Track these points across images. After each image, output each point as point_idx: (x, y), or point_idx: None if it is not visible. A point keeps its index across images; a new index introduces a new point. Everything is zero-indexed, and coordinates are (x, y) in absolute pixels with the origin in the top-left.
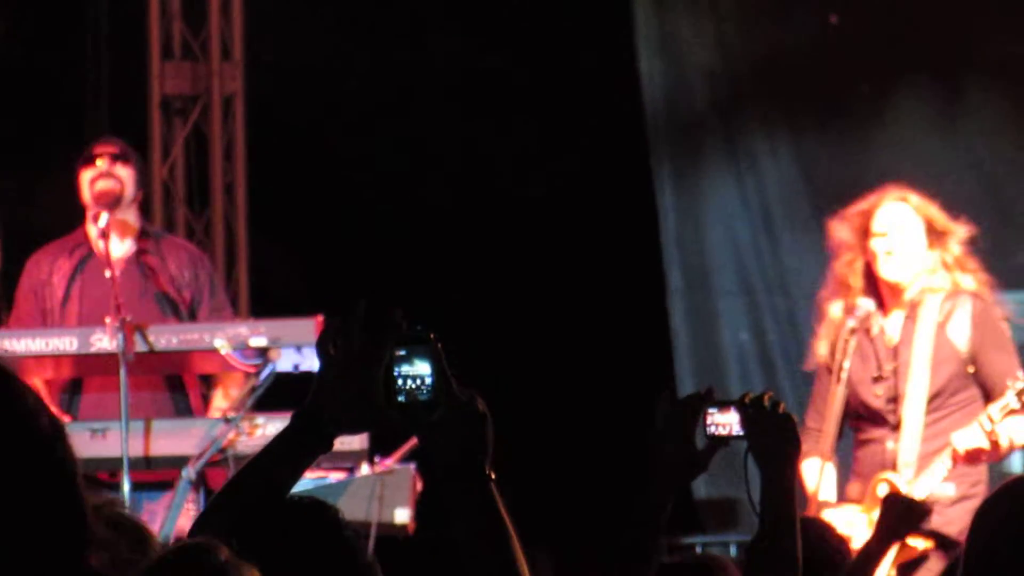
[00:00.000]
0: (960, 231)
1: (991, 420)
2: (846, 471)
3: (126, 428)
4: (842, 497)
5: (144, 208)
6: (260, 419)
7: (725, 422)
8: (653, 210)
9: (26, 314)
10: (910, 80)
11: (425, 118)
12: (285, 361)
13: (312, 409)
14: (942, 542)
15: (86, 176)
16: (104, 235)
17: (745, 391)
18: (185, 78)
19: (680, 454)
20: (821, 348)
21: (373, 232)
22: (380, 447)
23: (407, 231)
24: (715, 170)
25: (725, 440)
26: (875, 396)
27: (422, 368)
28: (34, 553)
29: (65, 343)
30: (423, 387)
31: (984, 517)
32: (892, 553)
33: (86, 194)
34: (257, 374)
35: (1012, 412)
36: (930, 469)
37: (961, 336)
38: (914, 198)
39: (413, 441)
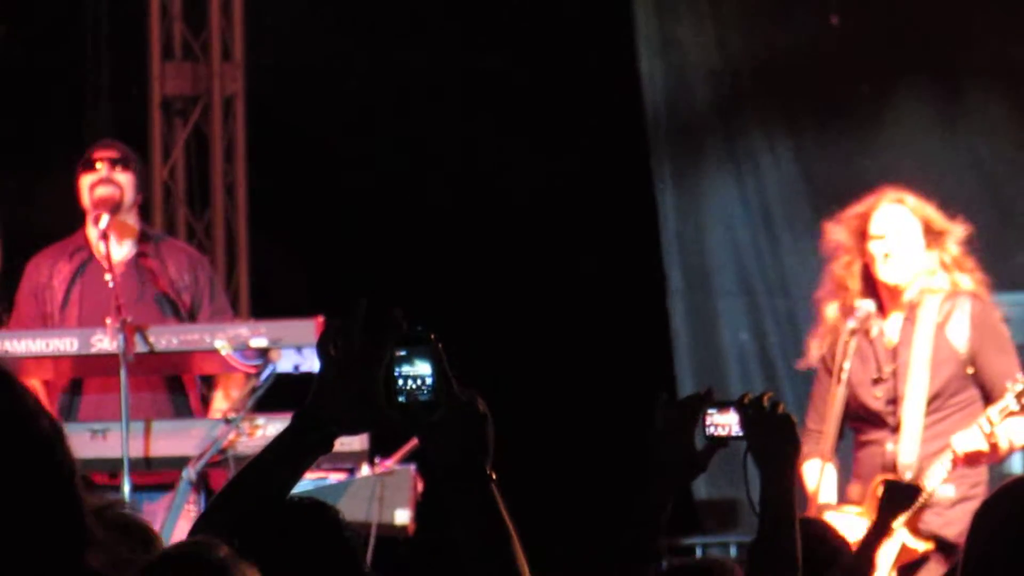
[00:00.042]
0: (957, 231)
1: (990, 423)
2: (847, 472)
3: (126, 429)
4: (842, 498)
5: (145, 209)
6: (260, 420)
7: (724, 423)
8: (653, 210)
9: (26, 317)
10: (910, 80)
11: (425, 118)
12: (285, 362)
13: (312, 410)
14: (942, 545)
15: (86, 181)
16: (104, 236)
17: (745, 391)
18: (186, 79)
19: (679, 454)
20: (815, 348)
21: (373, 232)
22: (380, 448)
23: (407, 231)
24: (715, 170)
25: (724, 441)
26: (875, 398)
27: (422, 368)
28: (33, 553)
29: (65, 344)
30: (423, 387)
31: (984, 518)
32: (891, 554)
33: (86, 199)
34: (257, 375)
35: (1012, 414)
36: (930, 471)
37: (960, 337)
38: (911, 199)
39: (413, 442)
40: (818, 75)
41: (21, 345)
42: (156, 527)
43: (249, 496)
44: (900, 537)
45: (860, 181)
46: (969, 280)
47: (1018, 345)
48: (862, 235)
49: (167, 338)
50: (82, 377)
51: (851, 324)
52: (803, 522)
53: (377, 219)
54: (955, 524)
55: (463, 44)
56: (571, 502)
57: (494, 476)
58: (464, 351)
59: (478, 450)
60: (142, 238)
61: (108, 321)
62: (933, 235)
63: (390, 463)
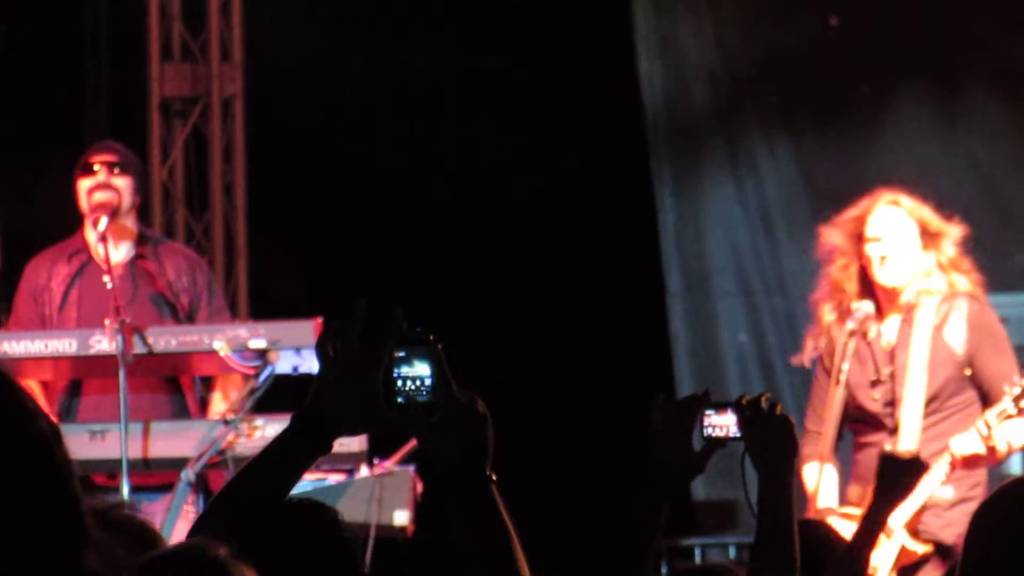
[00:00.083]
0: (954, 232)
1: (988, 426)
2: (847, 474)
3: (125, 430)
4: (843, 500)
5: (143, 210)
6: (259, 421)
7: (722, 424)
8: (653, 212)
9: (25, 318)
10: (910, 81)
11: (425, 118)
12: (284, 363)
13: (311, 411)
14: (941, 549)
15: (83, 185)
16: (103, 239)
17: (744, 392)
18: (184, 80)
19: (677, 455)
20: (811, 347)
21: (373, 232)
22: (379, 449)
23: (406, 232)
24: (715, 172)
25: (722, 442)
26: (872, 400)
27: (422, 369)
28: (32, 553)
29: (64, 345)
30: (423, 388)
31: (983, 519)
32: (891, 556)
33: (84, 204)
34: (256, 376)
35: (1009, 417)
36: (929, 473)
37: (957, 339)
38: (906, 201)
39: (412, 443)
40: (818, 76)
41: (20, 346)
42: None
43: (248, 497)
44: (899, 539)
45: (860, 182)
46: (966, 281)
47: (1017, 346)
48: (858, 238)
49: (166, 339)
50: (81, 378)
51: (850, 325)
52: (807, 524)
53: (376, 219)
54: (954, 525)
55: (463, 44)
56: (570, 502)
57: (494, 477)
58: (463, 352)
59: (478, 451)
60: (140, 240)
61: (107, 322)
62: (929, 236)
63: (389, 464)
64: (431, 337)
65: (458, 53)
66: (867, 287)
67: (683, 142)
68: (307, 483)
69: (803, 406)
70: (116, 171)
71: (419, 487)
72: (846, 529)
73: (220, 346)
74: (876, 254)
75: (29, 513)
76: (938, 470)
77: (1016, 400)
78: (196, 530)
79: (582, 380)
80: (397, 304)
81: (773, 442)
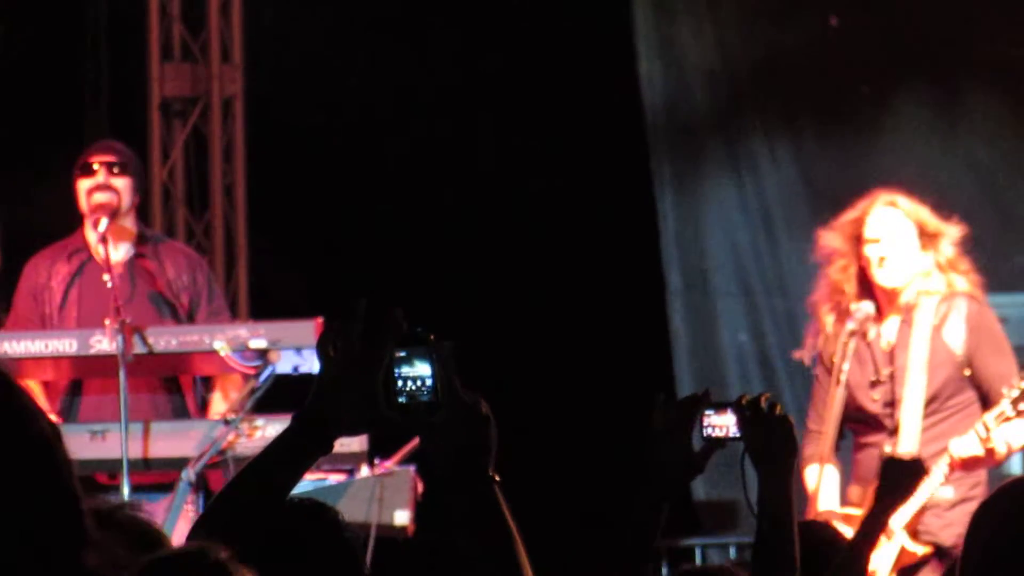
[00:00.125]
0: (952, 232)
1: (986, 428)
2: (849, 475)
3: (125, 430)
4: (844, 501)
5: (144, 210)
6: (260, 421)
7: (722, 424)
8: (653, 212)
9: (24, 317)
10: (910, 82)
11: (425, 118)
12: (285, 363)
13: (312, 411)
14: (941, 551)
15: (83, 185)
16: (103, 240)
17: (744, 392)
18: (185, 80)
19: (677, 455)
20: (811, 344)
21: (373, 233)
22: (380, 449)
23: (407, 232)
24: (715, 172)
25: (721, 442)
26: (872, 401)
27: (422, 369)
28: (31, 554)
29: (65, 345)
30: (423, 388)
31: (983, 518)
32: (890, 557)
33: (83, 204)
34: (257, 376)
35: (1007, 419)
36: (929, 475)
37: (956, 339)
38: (904, 202)
39: (413, 443)
40: (818, 76)
41: (20, 346)
42: None
43: (249, 497)
44: (899, 540)
45: (860, 182)
46: (965, 281)
47: (1017, 346)
48: (857, 239)
49: (166, 339)
50: (81, 378)
51: (850, 325)
52: (813, 525)
53: (376, 220)
54: (955, 525)
55: (463, 44)
56: (570, 502)
57: (497, 478)
58: (463, 352)
59: (481, 452)
60: (140, 240)
61: (107, 322)
62: (928, 237)
63: (389, 464)
64: (431, 337)
65: (458, 53)
66: (866, 288)
67: (683, 142)
68: (307, 483)
69: (803, 406)
70: (115, 171)
71: (420, 487)
72: (846, 530)
73: (220, 346)
74: (875, 255)
75: (29, 513)
76: (937, 472)
77: (1014, 403)
78: (196, 530)
79: (582, 379)
80: (397, 304)
81: (773, 442)
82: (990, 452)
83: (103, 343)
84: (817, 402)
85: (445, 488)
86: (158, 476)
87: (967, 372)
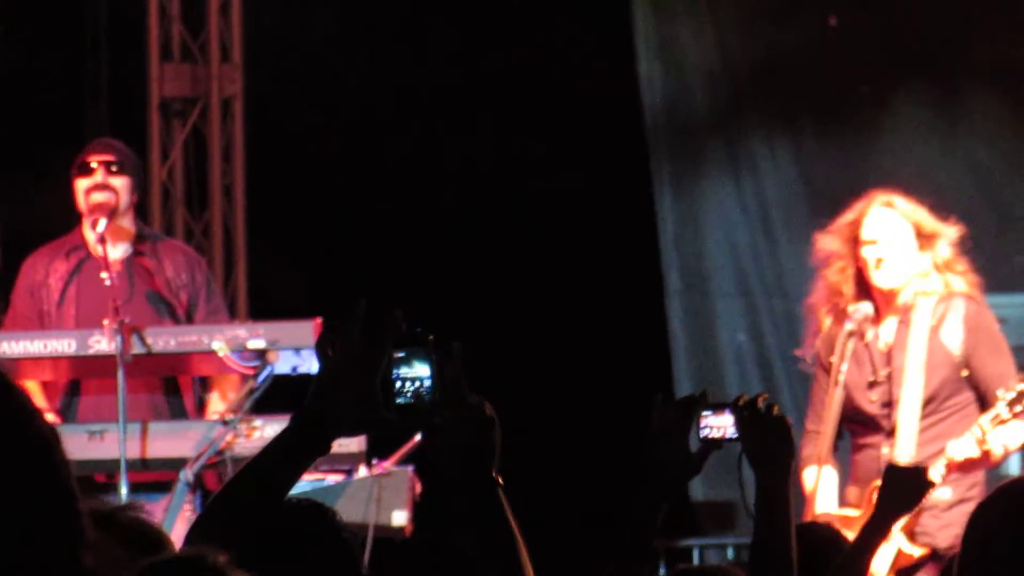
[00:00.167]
0: (949, 232)
1: (983, 431)
2: (847, 476)
3: (124, 430)
4: (842, 502)
5: (143, 210)
6: (258, 421)
7: (719, 424)
8: (652, 212)
9: (23, 315)
10: (909, 82)
11: (425, 119)
12: (283, 363)
13: (310, 411)
14: (936, 553)
15: (81, 185)
16: (102, 240)
17: (742, 392)
18: (184, 80)
19: (674, 456)
20: (810, 344)
21: (372, 233)
22: (378, 449)
23: (406, 232)
24: (714, 172)
25: (719, 442)
26: (870, 401)
27: (421, 370)
28: (29, 554)
29: (63, 345)
30: (422, 389)
31: (980, 519)
32: (888, 559)
33: (81, 203)
34: (255, 376)
35: (1003, 422)
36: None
37: (954, 340)
38: (901, 202)
39: (411, 443)
40: (817, 76)
41: (19, 346)
42: None
43: (247, 497)
44: (896, 542)
45: (859, 183)
46: (962, 282)
47: (1016, 347)
48: (854, 241)
49: (165, 339)
50: (80, 378)
51: (849, 326)
52: (814, 526)
53: (376, 220)
54: (953, 526)
55: (463, 44)
56: (569, 502)
57: (500, 480)
58: (462, 352)
59: (484, 455)
60: (138, 238)
61: (105, 322)
62: (925, 238)
63: (387, 465)
64: (430, 338)
65: (458, 53)
66: (864, 290)
67: (683, 142)
68: (306, 483)
69: (802, 406)
70: (113, 170)
71: (418, 487)
72: (844, 533)
73: (219, 346)
74: (872, 257)
75: (27, 513)
76: (934, 472)
77: (1010, 404)
78: (194, 530)
79: (582, 380)
80: (396, 304)
81: (770, 443)
82: (987, 454)
83: (102, 343)
84: (815, 403)
85: (448, 489)
86: (156, 476)
87: (965, 373)
